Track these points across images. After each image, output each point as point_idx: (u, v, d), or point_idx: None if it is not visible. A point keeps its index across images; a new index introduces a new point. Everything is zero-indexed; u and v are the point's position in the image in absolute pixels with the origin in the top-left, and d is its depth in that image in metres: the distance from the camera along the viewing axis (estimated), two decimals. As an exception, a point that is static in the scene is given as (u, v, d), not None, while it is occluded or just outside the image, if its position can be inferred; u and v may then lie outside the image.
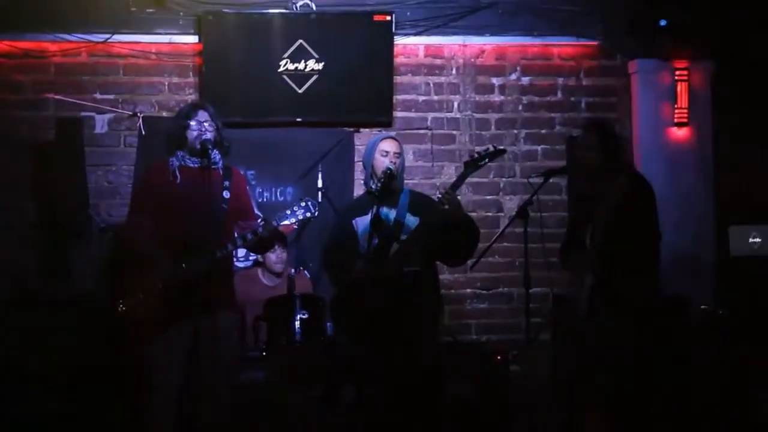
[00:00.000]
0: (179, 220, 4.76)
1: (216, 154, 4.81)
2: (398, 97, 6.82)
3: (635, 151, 6.83)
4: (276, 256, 6.15)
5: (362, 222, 5.11)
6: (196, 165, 4.80)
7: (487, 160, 5.06)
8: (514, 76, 6.97)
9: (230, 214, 4.86)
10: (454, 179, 5.12)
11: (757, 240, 6.60)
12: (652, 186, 5.16)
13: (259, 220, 4.94)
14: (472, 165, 5.04)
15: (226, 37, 6.49)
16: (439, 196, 5.06)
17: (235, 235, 4.80)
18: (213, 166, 4.75)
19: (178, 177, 4.83)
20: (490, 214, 6.91)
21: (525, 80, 6.97)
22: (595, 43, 6.94)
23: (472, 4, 6.72)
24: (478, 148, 5.97)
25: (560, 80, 6.99)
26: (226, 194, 4.86)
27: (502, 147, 5.18)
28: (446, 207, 4.93)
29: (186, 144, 4.85)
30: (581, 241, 5.18)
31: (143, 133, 6.49)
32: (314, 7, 6.57)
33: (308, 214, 4.78)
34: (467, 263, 5.68)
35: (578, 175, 5.39)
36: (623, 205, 4.88)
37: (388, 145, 5.16)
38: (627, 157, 5.41)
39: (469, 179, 5.22)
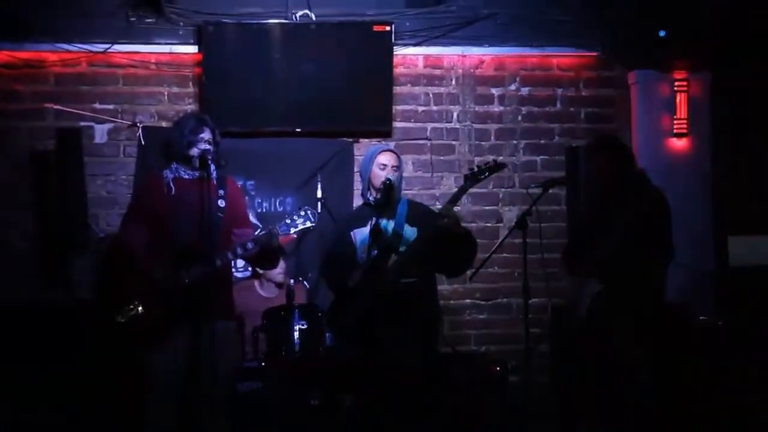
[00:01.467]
0: (175, 230, 4.76)
1: (210, 165, 4.82)
2: (398, 108, 6.82)
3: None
4: (278, 266, 6.14)
5: (360, 233, 5.11)
6: (190, 177, 4.82)
7: (487, 174, 5.06)
8: (513, 87, 6.97)
9: (226, 222, 4.86)
10: (455, 191, 5.12)
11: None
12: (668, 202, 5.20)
13: (258, 231, 4.95)
14: (472, 178, 5.04)
15: (226, 48, 6.49)
16: (439, 208, 5.07)
17: (234, 244, 4.81)
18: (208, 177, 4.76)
19: (173, 189, 4.83)
20: (489, 224, 6.91)
21: (524, 91, 6.98)
22: (595, 54, 6.94)
23: (472, 15, 6.73)
24: (478, 160, 6.00)
25: (559, 91, 7.00)
26: (221, 203, 4.86)
27: (503, 162, 5.18)
28: (445, 221, 4.91)
29: (185, 158, 4.85)
30: (587, 248, 5.17)
31: (143, 143, 6.50)
32: (314, 18, 6.57)
33: (308, 223, 4.78)
34: (466, 274, 5.68)
35: (589, 187, 5.39)
36: (646, 219, 4.88)
37: (386, 158, 5.15)
38: (637, 167, 5.43)
39: (468, 190, 5.21)
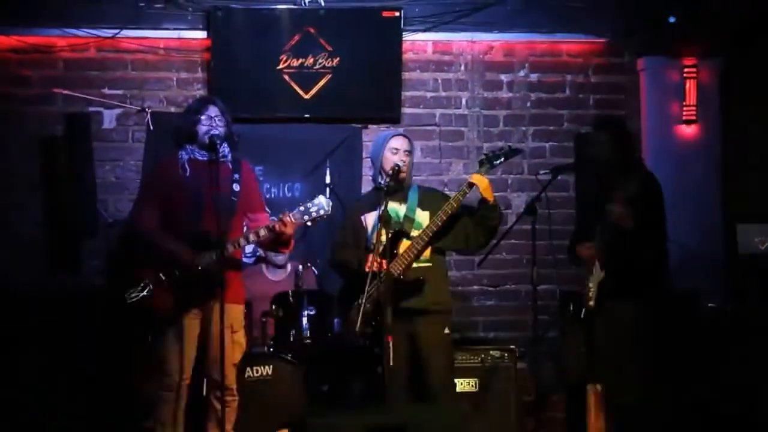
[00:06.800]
0: (189, 212, 4.77)
1: (225, 148, 4.84)
2: (406, 94, 6.81)
3: (644, 148, 6.82)
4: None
5: (372, 218, 5.11)
6: (205, 158, 4.82)
7: (503, 159, 5.06)
8: (522, 73, 6.96)
9: (240, 207, 4.88)
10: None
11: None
12: (660, 185, 5.19)
13: (271, 216, 4.96)
14: (487, 163, 5.04)
15: (234, 33, 6.47)
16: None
17: (245, 230, 4.82)
18: (222, 159, 4.76)
19: (188, 170, 4.84)
20: (497, 210, 6.89)
21: (533, 77, 6.96)
22: (604, 40, 6.93)
23: (481, 1, 6.68)
24: (486, 146, 5.97)
25: (568, 77, 6.98)
26: (236, 187, 4.87)
27: (517, 147, 5.19)
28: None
29: (195, 138, 4.87)
30: (590, 237, 5.18)
31: (151, 128, 6.50)
32: (323, 3, 6.56)
33: (322, 212, 4.79)
34: (475, 260, 5.67)
35: (589, 172, 5.40)
36: (635, 202, 4.89)
37: (398, 143, 5.14)
38: (637, 154, 5.41)
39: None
